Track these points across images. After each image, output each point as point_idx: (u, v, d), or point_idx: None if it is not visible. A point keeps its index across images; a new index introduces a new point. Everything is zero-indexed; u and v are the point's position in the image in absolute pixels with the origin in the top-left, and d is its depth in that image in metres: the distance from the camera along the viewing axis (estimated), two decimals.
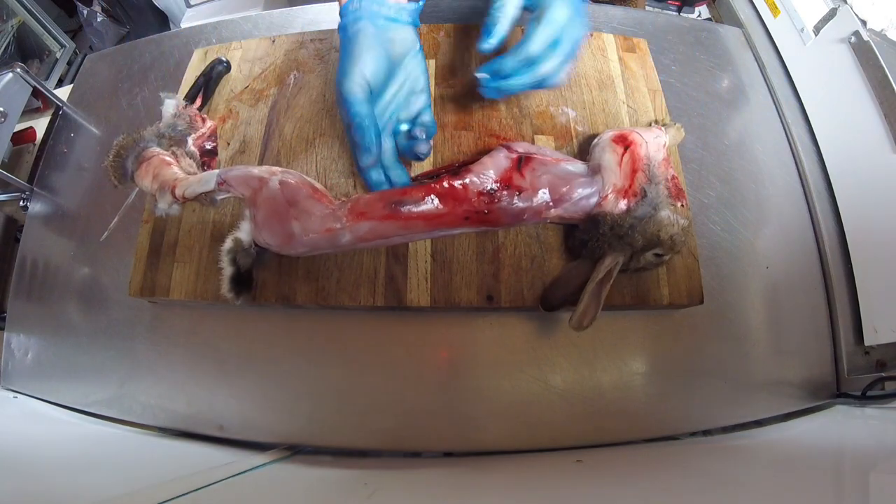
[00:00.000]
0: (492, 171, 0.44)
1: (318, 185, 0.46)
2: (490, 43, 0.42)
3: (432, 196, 0.43)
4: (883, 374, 0.46)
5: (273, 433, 0.47)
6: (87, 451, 0.46)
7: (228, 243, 0.45)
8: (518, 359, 0.47)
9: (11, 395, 0.52)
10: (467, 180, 0.43)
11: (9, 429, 0.48)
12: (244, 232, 0.45)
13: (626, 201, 0.43)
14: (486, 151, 0.46)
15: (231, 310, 0.50)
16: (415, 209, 0.42)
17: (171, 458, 0.46)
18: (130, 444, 0.48)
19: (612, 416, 0.46)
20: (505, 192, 0.43)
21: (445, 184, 0.43)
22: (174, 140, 0.51)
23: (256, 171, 0.47)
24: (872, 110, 0.49)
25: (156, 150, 0.50)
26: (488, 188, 0.43)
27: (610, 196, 0.43)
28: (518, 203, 0.43)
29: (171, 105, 0.53)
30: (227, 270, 0.45)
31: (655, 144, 0.47)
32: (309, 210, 0.43)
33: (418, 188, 0.43)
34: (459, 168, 0.45)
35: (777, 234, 0.53)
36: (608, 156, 0.45)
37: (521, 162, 0.44)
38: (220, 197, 0.48)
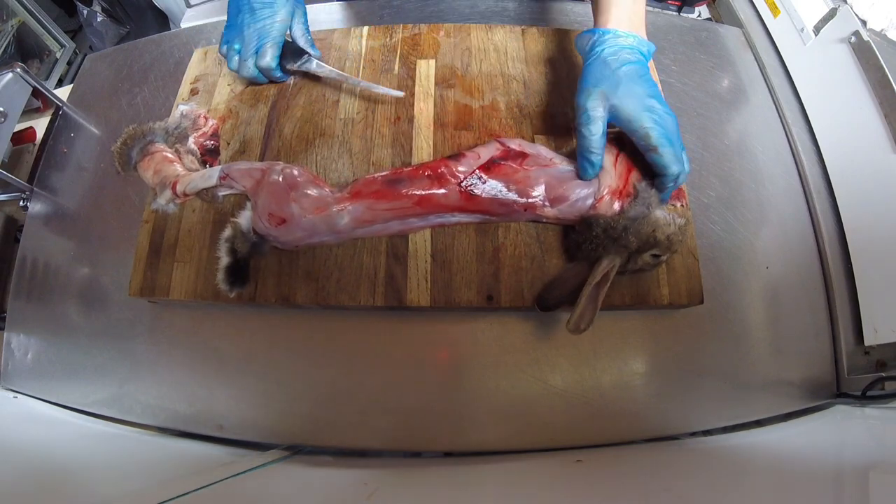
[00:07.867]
0: (484, 158, 0.45)
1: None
2: (593, 174, 0.44)
3: (427, 173, 0.45)
4: (883, 374, 0.46)
5: (273, 433, 0.47)
6: (87, 451, 0.46)
7: (227, 231, 0.46)
8: (518, 359, 0.47)
9: (11, 395, 0.52)
10: (460, 161, 0.45)
11: (9, 429, 0.48)
12: (244, 219, 0.46)
13: (619, 202, 0.43)
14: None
15: (231, 310, 0.50)
16: (410, 186, 0.44)
17: (171, 458, 0.46)
18: (130, 444, 0.48)
19: (612, 416, 0.46)
20: (497, 175, 0.44)
21: (441, 165, 0.45)
22: (178, 138, 0.52)
23: (259, 164, 0.48)
24: (872, 110, 0.49)
25: (160, 146, 0.51)
26: (481, 167, 0.44)
27: (605, 197, 0.43)
28: (511, 193, 0.44)
29: (183, 108, 0.54)
30: (224, 260, 0.45)
31: None
32: (308, 192, 0.44)
33: (415, 167, 0.45)
34: (456, 154, 0.46)
35: (777, 234, 0.53)
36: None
37: (513, 155, 0.45)
38: (221, 193, 0.49)
